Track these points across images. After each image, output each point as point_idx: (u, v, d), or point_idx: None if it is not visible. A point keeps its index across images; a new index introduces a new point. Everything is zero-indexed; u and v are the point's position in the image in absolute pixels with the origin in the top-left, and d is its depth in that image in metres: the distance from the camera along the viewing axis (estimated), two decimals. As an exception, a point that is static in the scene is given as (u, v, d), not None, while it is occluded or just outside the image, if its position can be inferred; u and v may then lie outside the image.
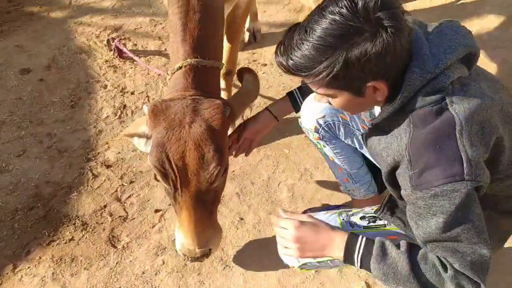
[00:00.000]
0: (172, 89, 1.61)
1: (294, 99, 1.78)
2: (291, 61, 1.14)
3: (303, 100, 1.76)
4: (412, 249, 1.21)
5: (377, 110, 1.41)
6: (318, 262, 1.44)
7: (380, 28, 1.05)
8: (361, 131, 1.70)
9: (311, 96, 1.71)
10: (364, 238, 1.26)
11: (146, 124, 1.53)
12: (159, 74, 2.93)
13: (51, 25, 3.44)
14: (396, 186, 1.24)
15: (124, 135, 1.70)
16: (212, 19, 1.71)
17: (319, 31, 1.08)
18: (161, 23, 3.46)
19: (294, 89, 1.79)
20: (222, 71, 2.16)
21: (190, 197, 1.50)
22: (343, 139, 1.76)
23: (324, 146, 1.81)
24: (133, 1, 3.76)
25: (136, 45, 3.22)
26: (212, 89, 1.66)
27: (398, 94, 1.15)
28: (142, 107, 1.71)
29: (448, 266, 1.14)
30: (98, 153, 2.48)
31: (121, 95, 2.84)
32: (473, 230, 1.12)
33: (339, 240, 1.29)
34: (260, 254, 1.98)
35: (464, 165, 1.08)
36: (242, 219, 2.14)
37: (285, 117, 1.84)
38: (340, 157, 1.82)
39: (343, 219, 1.50)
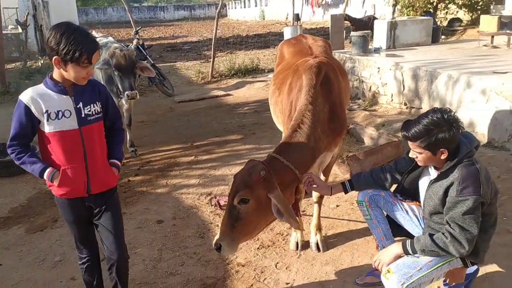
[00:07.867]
0: None
1: (345, 186, 2.98)
2: (410, 134, 2.40)
3: (350, 187, 2.97)
4: (430, 234, 2.44)
5: (431, 169, 2.70)
6: (412, 280, 2.60)
7: (452, 126, 2.34)
8: (391, 201, 2.90)
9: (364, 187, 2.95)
10: (409, 239, 2.55)
11: None
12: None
13: (161, 196, 4.91)
14: (443, 200, 2.49)
15: None
16: (301, 148, 2.86)
17: (426, 123, 2.35)
18: (238, 188, 4.97)
19: (346, 181, 2.99)
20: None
21: (228, 203, 2.69)
22: (381, 207, 2.97)
23: (371, 211, 2.89)
24: (211, 178, 5.35)
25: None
26: (274, 168, 2.69)
27: (455, 157, 2.40)
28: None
29: (448, 236, 2.34)
30: (232, 260, 3.66)
31: (231, 229, 4.14)
32: (474, 219, 2.32)
33: (398, 245, 2.59)
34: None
35: (482, 190, 2.33)
36: None
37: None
38: (379, 219, 2.90)
39: None
